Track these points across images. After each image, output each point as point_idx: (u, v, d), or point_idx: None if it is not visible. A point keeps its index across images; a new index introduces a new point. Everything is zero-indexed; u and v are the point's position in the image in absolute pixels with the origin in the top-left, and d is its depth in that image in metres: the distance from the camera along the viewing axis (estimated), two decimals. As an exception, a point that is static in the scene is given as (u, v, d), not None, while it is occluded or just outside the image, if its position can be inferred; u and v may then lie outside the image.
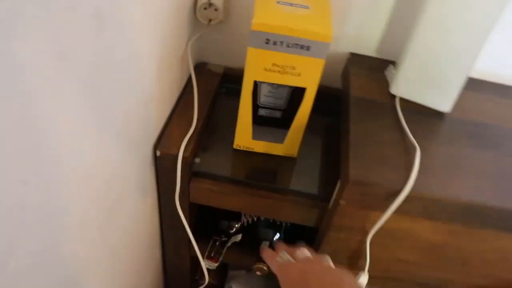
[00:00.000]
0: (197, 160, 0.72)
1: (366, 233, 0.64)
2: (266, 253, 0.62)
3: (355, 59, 0.78)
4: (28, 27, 0.31)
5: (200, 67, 0.85)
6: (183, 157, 0.67)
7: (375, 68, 0.76)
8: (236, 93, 0.68)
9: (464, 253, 0.65)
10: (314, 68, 0.62)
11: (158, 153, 0.68)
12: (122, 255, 0.67)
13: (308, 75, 0.63)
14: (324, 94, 0.79)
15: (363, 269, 0.67)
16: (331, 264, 0.54)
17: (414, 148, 0.62)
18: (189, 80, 0.80)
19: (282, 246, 0.60)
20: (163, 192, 0.73)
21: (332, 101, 0.80)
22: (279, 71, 0.63)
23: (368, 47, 0.79)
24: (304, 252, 0.57)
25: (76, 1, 0.36)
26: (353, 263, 0.70)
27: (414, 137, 0.64)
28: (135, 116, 0.58)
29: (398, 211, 0.60)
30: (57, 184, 0.41)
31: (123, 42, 0.49)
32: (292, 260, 0.56)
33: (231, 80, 0.85)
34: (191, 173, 0.71)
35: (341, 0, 0.74)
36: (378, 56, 0.79)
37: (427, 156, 0.62)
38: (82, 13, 0.38)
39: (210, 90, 0.80)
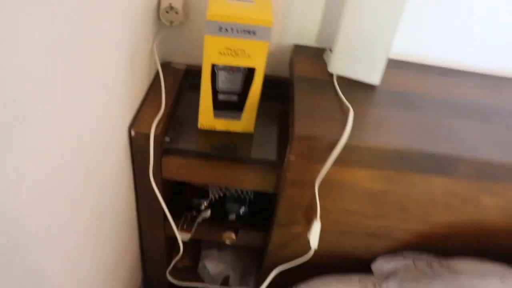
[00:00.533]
0: (167, 139, 0.82)
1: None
2: None
3: (299, 49, 0.91)
4: None
5: (165, 66, 0.96)
6: (155, 135, 0.77)
7: (315, 55, 0.89)
8: (198, 88, 0.80)
9: (400, 198, 0.77)
10: (261, 50, 0.74)
11: (132, 133, 0.78)
12: (103, 235, 0.75)
13: (256, 57, 0.75)
14: (275, 82, 0.92)
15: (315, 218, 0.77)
16: None
17: (349, 110, 0.74)
18: (157, 75, 0.91)
19: None
20: (138, 169, 0.83)
21: (282, 89, 0.93)
22: (232, 54, 0.75)
23: (310, 39, 0.92)
24: None
25: None
26: (309, 218, 0.81)
27: (349, 103, 0.76)
28: (114, 100, 0.68)
29: (338, 161, 0.71)
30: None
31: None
32: None
33: (193, 76, 0.96)
34: (162, 150, 0.81)
35: (282, -2, 0.87)
36: (318, 46, 0.93)
37: (361, 116, 0.74)
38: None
39: (175, 83, 0.91)
